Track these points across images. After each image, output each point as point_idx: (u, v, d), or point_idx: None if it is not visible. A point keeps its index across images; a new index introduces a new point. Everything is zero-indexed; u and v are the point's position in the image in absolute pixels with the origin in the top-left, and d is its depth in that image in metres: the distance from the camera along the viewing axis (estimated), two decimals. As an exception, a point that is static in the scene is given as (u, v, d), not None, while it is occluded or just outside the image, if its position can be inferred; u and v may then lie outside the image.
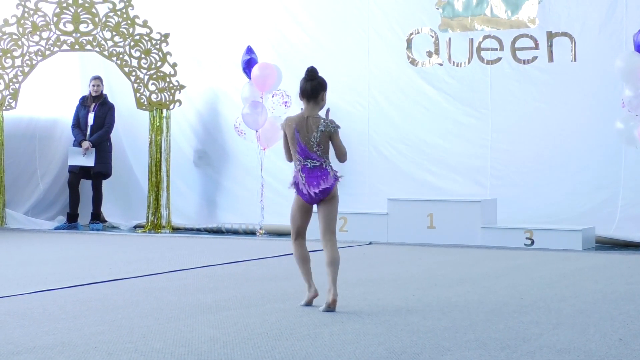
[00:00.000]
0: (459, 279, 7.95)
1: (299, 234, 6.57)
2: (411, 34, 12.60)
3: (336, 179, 6.38)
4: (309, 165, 6.35)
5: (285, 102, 12.47)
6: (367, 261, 9.58)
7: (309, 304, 6.43)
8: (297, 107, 12.74)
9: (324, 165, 6.38)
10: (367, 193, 12.78)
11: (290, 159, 6.48)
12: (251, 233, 12.89)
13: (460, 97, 12.35)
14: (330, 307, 6.18)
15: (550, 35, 11.80)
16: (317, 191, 6.35)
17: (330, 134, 6.37)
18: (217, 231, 13.27)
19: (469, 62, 12.28)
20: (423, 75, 12.55)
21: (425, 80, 12.53)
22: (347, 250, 10.71)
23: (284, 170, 13.19)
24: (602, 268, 8.86)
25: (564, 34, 11.73)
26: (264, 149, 12.61)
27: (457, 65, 12.35)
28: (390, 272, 8.47)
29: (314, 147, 6.33)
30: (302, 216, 6.51)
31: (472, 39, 12.25)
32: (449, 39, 12.39)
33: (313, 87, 6.44)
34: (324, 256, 6.38)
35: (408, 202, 11.69)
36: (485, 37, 12.18)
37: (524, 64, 11.97)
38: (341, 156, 6.45)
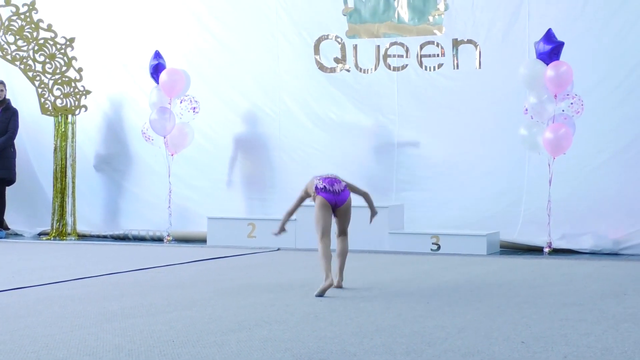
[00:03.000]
0: (367, 284, 8.00)
1: (325, 232, 7.52)
2: (319, 40, 12.65)
3: (349, 192, 7.67)
4: (325, 175, 7.71)
5: (194, 107, 12.40)
6: (275, 267, 9.58)
7: (322, 293, 7.23)
8: (206, 112, 12.73)
9: (338, 178, 7.70)
10: (277, 199, 12.77)
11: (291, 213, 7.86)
12: (158, 240, 12.79)
13: (368, 103, 12.43)
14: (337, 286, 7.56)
15: (456, 43, 11.97)
16: (331, 188, 7.55)
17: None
18: (123, 238, 13.13)
19: (375, 69, 12.38)
20: (332, 81, 12.61)
21: (334, 86, 12.58)
22: (255, 257, 10.71)
23: (192, 176, 13.15)
24: (506, 272, 9.01)
25: (469, 41, 11.91)
26: (172, 155, 12.52)
27: (364, 72, 12.44)
28: (298, 278, 8.49)
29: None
30: (325, 214, 7.56)
31: (378, 46, 12.36)
32: (355, 45, 12.47)
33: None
34: (337, 248, 7.69)
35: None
36: (391, 44, 12.29)
37: (430, 70, 12.12)
38: (363, 193, 7.85)
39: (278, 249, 11.45)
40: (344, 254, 7.72)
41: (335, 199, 7.58)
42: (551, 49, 10.58)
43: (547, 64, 10.61)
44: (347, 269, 9.20)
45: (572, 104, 10.61)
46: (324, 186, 7.58)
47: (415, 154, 12.18)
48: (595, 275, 8.74)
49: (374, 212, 7.96)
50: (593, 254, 10.80)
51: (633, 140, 11.07)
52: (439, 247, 10.95)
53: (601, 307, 6.64)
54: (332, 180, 7.63)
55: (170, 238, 12.52)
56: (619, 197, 11.05)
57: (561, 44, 10.63)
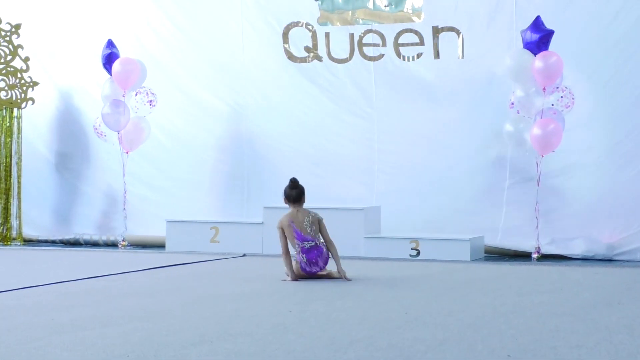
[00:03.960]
0: (340, 292, 8.00)
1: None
2: (287, 27, 12.63)
3: (328, 255, 8.83)
4: (307, 246, 8.76)
5: (150, 100, 12.34)
6: (241, 275, 9.57)
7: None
8: (165, 105, 12.68)
9: (318, 244, 8.77)
10: (245, 199, 12.76)
11: (286, 253, 8.88)
12: (112, 245, 12.73)
13: (343, 95, 12.43)
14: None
15: (436, 31, 11.99)
16: (318, 270, 8.82)
17: (317, 220, 8.86)
18: (74, 243, 13.07)
19: (350, 59, 12.38)
20: (303, 71, 12.60)
21: (306, 77, 12.57)
22: (219, 263, 10.69)
23: (150, 175, 13.09)
24: (492, 280, 9.04)
25: (451, 29, 11.93)
26: (127, 152, 12.46)
27: (338, 62, 12.43)
28: (265, 286, 8.47)
29: (308, 229, 8.76)
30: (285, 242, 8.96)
31: (352, 34, 12.35)
32: (328, 33, 12.46)
33: (297, 193, 8.98)
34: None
35: (285, 210, 11.68)
36: (366, 32, 12.30)
37: (408, 60, 12.13)
38: (330, 247, 8.83)
39: (243, 255, 11.44)
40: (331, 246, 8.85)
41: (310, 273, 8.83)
42: (539, 38, 10.62)
43: (535, 55, 10.65)
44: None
45: (562, 97, 10.65)
46: (306, 268, 8.81)
47: (395, 149, 12.18)
48: (587, 283, 8.78)
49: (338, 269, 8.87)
50: (585, 259, 10.86)
51: (627, 135, 11.13)
52: (418, 253, 10.97)
53: (594, 317, 6.67)
54: (317, 257, 8.76)
55: (126, 243, 12.47)
56: (612, 198, 11.11)
57: (550, 33, 10.67)
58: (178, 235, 12.07)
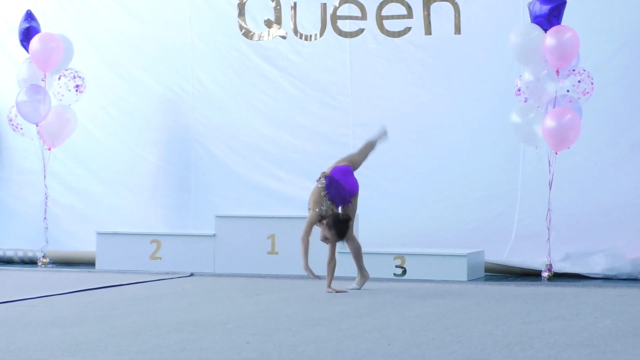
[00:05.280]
0: (308, 320, 8.02)
1: None
2: (244, -3, 12.67)
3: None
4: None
5: (77, 85, 12.29)
6: (188, 298, 9.57)
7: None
8: (94, 91, 12.64)
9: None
10: (191, 207, 12.75)
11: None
12: (30, 262, 12.70)
13: (312, 80, 12.45)
14: None
15: (428, 1, 12.02)
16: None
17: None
18: (-17, 260, 13.05)
19: (321, 35, 12.40)
20: (261, 51, 12.60)
21: (265, 58, 12.58)
22: (161, 285, 10.68)
23: (77, 176, 13.04)
24: (493, 304, 9.08)
25: (445, -2, 12.00)
26: (49, 149, 12.42)
27: (306, 39, 12.46)
28: (218, 312, 8.47)
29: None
30: None
31: (325, 4, 12.37)
32: (294, 3, 12.47)
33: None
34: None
35: (242, 219, 11.71)
36: (342, 2, 12.32)
37: (394, 37, 12.15)
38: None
39: (191, 275, 11.43)
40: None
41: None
42: (550, 10, 10.64)
43: (546, 30, 10.69)
44: (281, 299, 9.27)
45: (579, 82, 10.68)
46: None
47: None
48: (608, 307, 8.84)
49: None
50: (606, 279, 10.92)
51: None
52: (404, 271, 11.01)
53: (616, 348, 6.72)
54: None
55: (47, 260, 12.44)
56: (638, 204, 11.18)
57: (562, 3, 10.70)
58: (111, 250, 12.04)
